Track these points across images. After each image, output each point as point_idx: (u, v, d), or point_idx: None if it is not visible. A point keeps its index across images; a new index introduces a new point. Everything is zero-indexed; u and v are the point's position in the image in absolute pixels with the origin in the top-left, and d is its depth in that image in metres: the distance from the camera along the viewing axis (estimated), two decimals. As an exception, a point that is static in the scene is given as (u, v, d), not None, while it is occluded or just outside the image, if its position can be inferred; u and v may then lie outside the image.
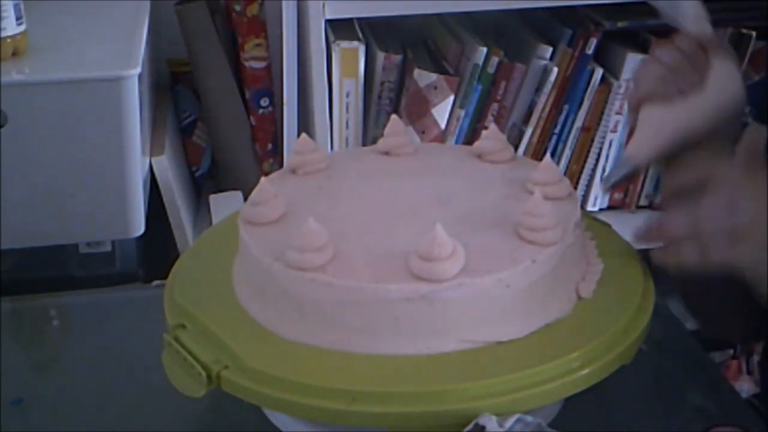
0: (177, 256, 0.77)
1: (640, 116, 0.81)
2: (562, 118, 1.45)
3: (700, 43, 0.81)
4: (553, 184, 0.73)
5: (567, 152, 1.47)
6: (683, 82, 0.80)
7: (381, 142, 0.83)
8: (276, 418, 0.70)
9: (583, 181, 1.49)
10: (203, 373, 0.65)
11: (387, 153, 0.83)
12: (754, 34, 1.43)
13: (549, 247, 0.67)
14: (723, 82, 0.80)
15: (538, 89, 1.44)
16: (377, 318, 0.65)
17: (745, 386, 1.45)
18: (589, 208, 1.49)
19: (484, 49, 1.40)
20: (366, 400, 0.62)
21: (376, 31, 1.49)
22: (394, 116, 0.85)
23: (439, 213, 0.72)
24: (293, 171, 0.81)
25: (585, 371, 0.64)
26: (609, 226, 0.83)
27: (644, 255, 0.77)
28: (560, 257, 0.68)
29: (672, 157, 0.83)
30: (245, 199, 0.77)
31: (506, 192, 0.74)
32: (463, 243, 0.66)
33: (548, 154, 0.73)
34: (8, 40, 1.13)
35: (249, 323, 0.69)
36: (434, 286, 0.64)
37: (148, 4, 1.36)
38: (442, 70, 1.42)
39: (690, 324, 1.48)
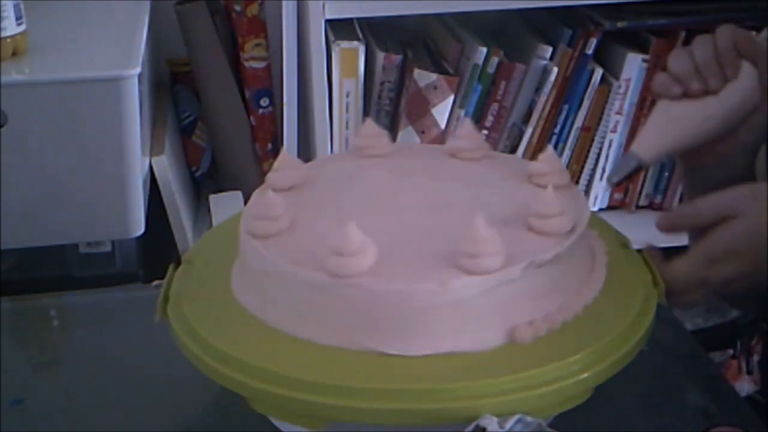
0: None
1: (654, 110, 0.79)
2: (562, 118, 1.46)
3: (737, 41, 0.79)
4: (553, 216, 0.68)
5: (567, 152, 1.48)
6: (711, 81, 0.77)
7: (449, 141, 0.82)
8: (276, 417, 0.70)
9: (583, 181, 1.49)
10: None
11: (453, 155, 0.81)
12: (754, 34, 1.43)
13: (481, 276, 0.64)
14: (748, 87, 0.78)
15: (538, 89, 1.44)
16: (290, 296, 0.67)
17: (745, 386, 1.45)
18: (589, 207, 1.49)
19: (484, 49, 1.40)
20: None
21: (376, 31, 1.49)
22: (467, 119, 0.83)
23: (421, 218, 0.72)
24: (357, 151, 0.82)
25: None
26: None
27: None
28: (490, 290, 0.64)
29: (688, 159, 0.80)
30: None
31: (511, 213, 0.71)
32: (396, 250, 0.66)
33: (550, 188, 0.69)
34: (8, 40, 1.13)
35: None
36: (335, 280, 0.64)
37: (148, 4, 1.36)
38: (442, 70, 1.42)
39: (690, 324, 1.48)
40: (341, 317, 0.65)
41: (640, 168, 0.79)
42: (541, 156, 0.76)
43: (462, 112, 1.42)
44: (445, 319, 0.64)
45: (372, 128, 0.83)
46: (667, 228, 0.75)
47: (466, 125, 0.82)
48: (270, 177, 0.77)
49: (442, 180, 0.78)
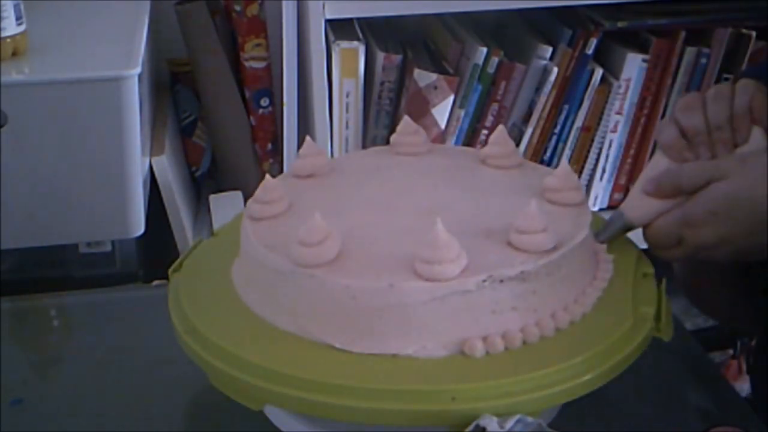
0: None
1: (650, 165, 0.75)
2: (562, 118, 1.46)
3: (753, 106, 0.74)
4: (532, 233, 0.66)
5: (567, 152, 1.48)
6: (720, 147, 0.73)
7: (486, 147, 0.82)
8: (276, 417, 0.70)
9: (583, 181, 1.49)
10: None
11: (483, 161, 0.81)
12: (754, 34, 1.43)
13: (432, 282, 0.63)
14: (754, 151, 0.73)
15: (538, 89, 1.44)
16: (263, 279, 0.68)
17: (745, 386, 1.45)
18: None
19: (484, 49, 1.40)
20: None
21: (376, 31, 1.49)
22: (500, 126, 0.80)
23: (408, 221, 0.71)
24: (392, 148, 0.83)
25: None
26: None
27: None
28: (442, 298, 0.63)
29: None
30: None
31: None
32: (364, 248, 0.67)
33: (532, 204, 0.67)
34: (8, 40, 1.13)
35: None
36: (294, 268, 0.66)
37: (148, 4, 1.36)
38: (442, 70, 1.42)
39: (690, 324, 1.48)
40: (298, 305, 0.66)
41: (628, 229, 0.75)
42: (556, 171, 0.75)
43: (462, 112, 1.42)
44: (392, 321, 0.63)
45: (409, 126, 0.83)
46: (652, 191, 0.73)
47: (499, 132, 0.80)
48: (293, 163, 0.80)
49: (453, 186, 0.77)
